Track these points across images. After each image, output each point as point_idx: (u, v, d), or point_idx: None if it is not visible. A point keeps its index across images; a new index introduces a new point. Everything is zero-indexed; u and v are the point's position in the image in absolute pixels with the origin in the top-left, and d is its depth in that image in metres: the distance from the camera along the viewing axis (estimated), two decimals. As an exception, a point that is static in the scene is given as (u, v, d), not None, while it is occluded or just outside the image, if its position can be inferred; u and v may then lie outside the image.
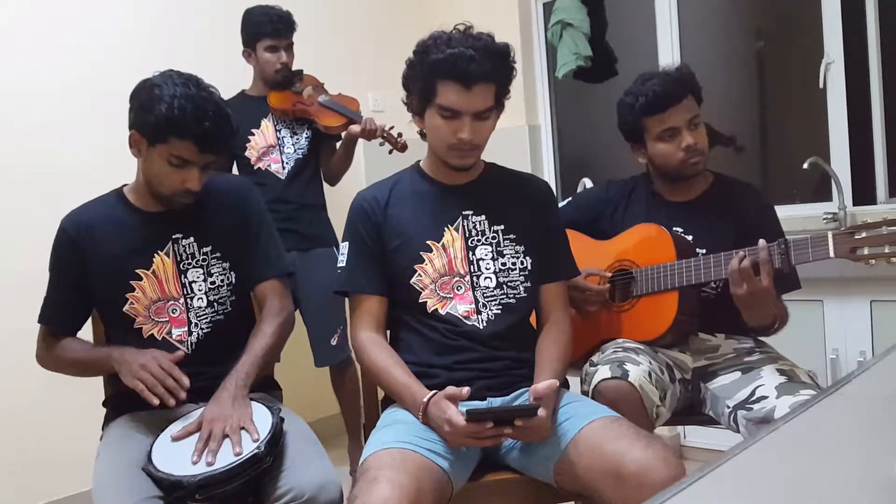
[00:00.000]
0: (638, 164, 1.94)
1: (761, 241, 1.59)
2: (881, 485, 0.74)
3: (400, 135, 2.75)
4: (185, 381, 1.52)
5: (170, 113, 1.48)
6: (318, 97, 2.80)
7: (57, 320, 1.69)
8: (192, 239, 1.66)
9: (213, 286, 1.67)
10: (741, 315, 1.65)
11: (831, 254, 1.53)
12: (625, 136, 1.88)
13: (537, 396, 1.42)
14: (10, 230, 2.59)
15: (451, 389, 1.44)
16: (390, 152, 2.76)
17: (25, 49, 2.66)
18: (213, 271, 1.68)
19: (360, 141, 2.83)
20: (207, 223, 1.69)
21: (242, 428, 1.47)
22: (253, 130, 2.77)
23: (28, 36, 2.67)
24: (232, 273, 1.70)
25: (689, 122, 1.77)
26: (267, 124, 2.78)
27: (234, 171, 2.84)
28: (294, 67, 2.81)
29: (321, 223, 2.85)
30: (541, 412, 1.40)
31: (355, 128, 2.75)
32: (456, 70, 1.50)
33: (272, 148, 2.78)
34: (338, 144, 2.90)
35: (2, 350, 2.52)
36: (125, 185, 1.71)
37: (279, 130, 2.79)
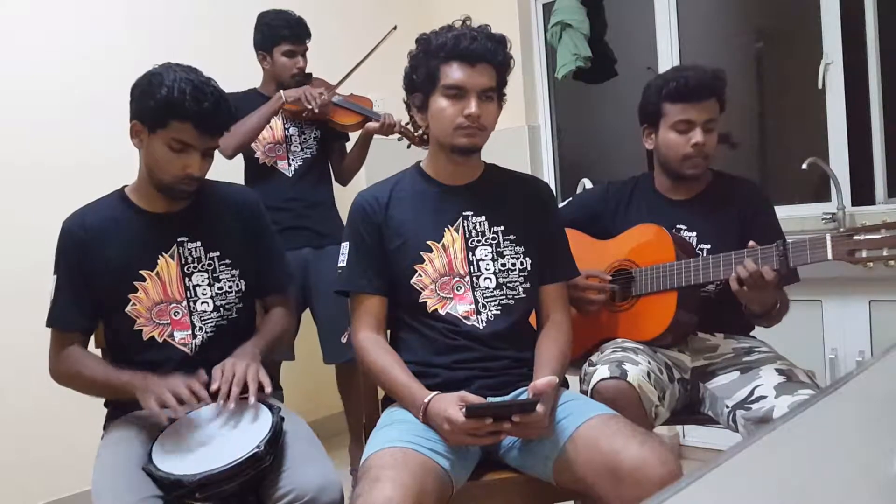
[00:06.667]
0: (637, 163, 1.94)
1: (747, 262, 1.58)
2: (880, 484, 0.74)
3: (418, 128, 2.74)
4: (204, 393, 1.51)
5: (169, 95, 1.51)
6: (331, 98, 2.81)
7: (67, 321, 1.65)
8: (198, 243, 1.67)
9: (220, 291, 1.67)
10: (741, 306, 1.66)
11: (829, 256, 1.53)
12: (642, 118, 1.89)
13: (536, 392, 1.42)
14: (10, 230, 2.59)
15: (462, 393, 1.45)
16: (409, 147, 2.75)
17: (25, 49, 2.67)
18: (221, 277, 1.68)
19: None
20: (214, 228, 1.69)
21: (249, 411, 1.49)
22: None
23: (28, 36, 2.67)
24: (241, 281, 1.70)
25: (705, 123, 1.78)
26: (276, 121, 2.78)
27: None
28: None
29: (332, 220, 2.84)
30: (539, 407, 1.40)
31: (373, 124, 2.75)
32: (459, 49, 1.55)
33: (279, 145, 2.78)
34: (347, 144, 2.91)
35: (2, 350, 2.52)
36: (126, 186, 1.71)
37: (287, 129, 2.79)
